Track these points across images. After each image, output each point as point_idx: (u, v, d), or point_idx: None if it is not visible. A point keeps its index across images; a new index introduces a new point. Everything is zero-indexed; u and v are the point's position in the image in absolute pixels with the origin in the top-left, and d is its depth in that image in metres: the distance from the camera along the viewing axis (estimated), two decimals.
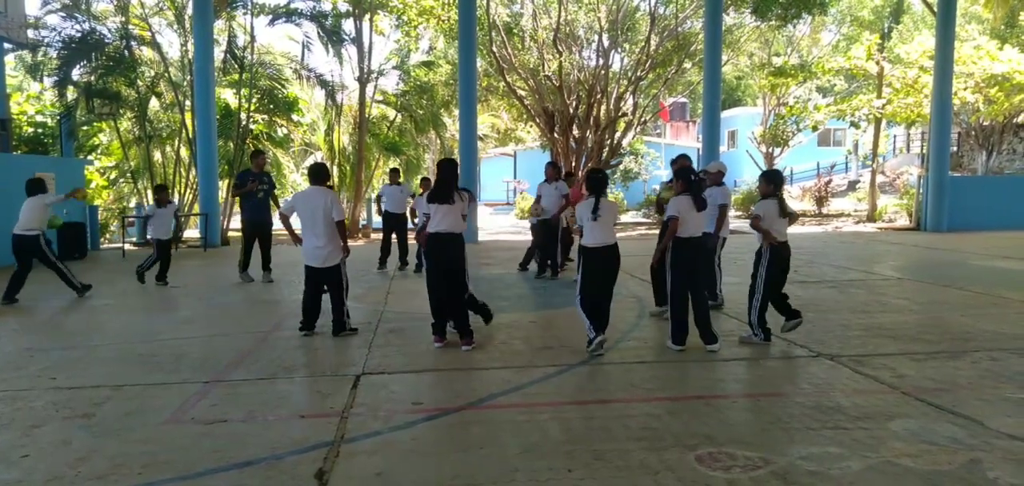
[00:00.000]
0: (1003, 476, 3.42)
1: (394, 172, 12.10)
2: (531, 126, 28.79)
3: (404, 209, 11.34)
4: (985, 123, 24.64)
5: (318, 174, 6.74)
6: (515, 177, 36.82)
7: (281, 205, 7.34)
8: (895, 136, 35.77)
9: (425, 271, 6.26)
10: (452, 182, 6.10)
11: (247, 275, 10.23)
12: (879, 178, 26.42)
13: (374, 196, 11.88)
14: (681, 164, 6.31)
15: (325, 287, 6.62)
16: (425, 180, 12.17)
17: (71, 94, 17.42)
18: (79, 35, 17.48)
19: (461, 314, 6.05)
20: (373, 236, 19.63)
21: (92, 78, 17.38)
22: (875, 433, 3.99)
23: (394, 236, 11.53)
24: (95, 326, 7.42)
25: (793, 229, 6.47)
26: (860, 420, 4.20)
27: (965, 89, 22.31)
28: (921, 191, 20.17)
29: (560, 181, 10.44)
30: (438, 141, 28.64)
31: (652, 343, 6.32)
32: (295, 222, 6.83)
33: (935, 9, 19.79)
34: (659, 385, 5.13)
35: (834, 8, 29.86)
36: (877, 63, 24.23)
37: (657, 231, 6.30)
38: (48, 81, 18.68)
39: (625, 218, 26.85)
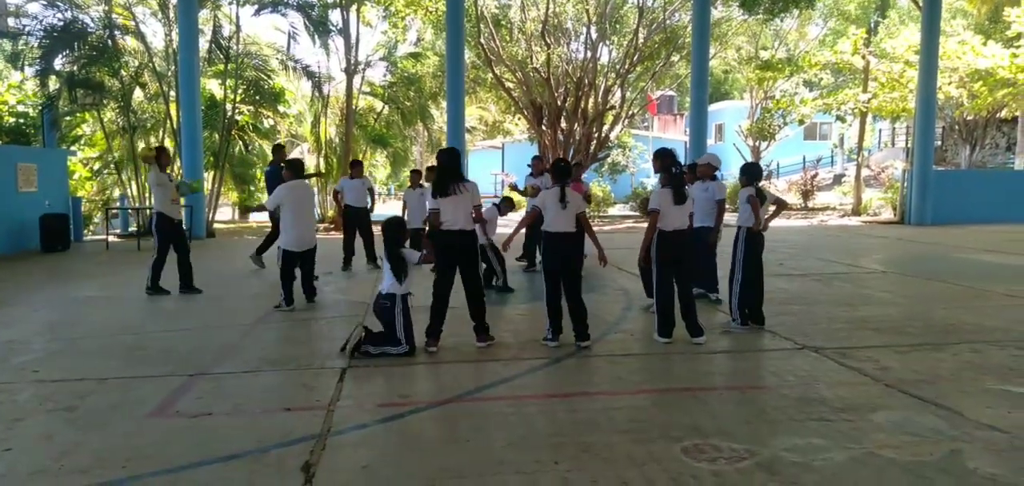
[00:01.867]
0: (983, 466, 3.47)
1: (355, 164, 11.69)
2: (519, 119, 28.77)
3: (366, 203, 11.05)
4: (969, 118, 24.89)
5: (301, 168, 7.94)
6: (503, 170, 36.77)
7: (268, 202, 7.96)
8: (880, 130, 36.08)
9: (435, 271, 5.85)
10: (452, 172, 5.80)
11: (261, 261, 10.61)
12: (864, 172, 26.65)
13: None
14: (664, 160, 6.20)
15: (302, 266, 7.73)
16: (415, 172, 11.93)
17: (53, 84, 17.19)
18: (61, 24, 17.23)
19: (481, 311, 5.89)
20: None
21: (75, 68, 17.14)
22: (858, 425, 4.04)
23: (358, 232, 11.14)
24: (78, 319, 7.35)
25: (779, 222, 6.57)
26: (844, 412, 4.24)
27: (949, 84, 22.51)
28: (905, 185, 20.36)
29: (545, 174, 10.66)
30: (426, 133, 28.55)
31: (638, 336, 6.34)
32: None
33: (920, 4, 19.94)
34: (645, 378, 5.16)
35: (821, 3, 30.01)
36: (863, 57, 24.37)
37: (645, 225, 6.32)
38: (30, 70, 18.42)
39: (612, 211, 26.89)
